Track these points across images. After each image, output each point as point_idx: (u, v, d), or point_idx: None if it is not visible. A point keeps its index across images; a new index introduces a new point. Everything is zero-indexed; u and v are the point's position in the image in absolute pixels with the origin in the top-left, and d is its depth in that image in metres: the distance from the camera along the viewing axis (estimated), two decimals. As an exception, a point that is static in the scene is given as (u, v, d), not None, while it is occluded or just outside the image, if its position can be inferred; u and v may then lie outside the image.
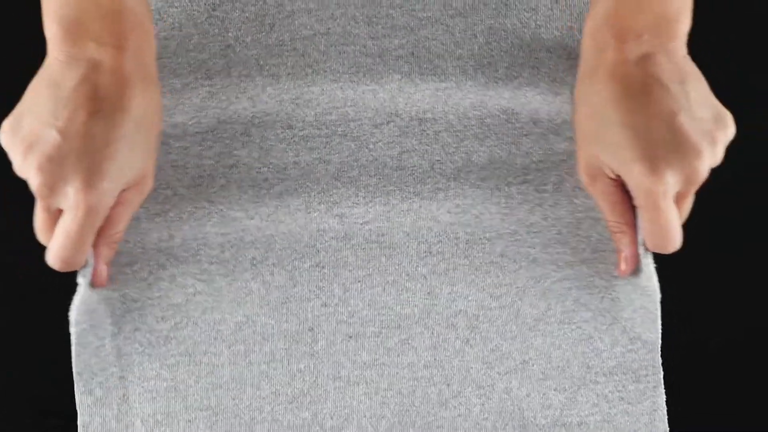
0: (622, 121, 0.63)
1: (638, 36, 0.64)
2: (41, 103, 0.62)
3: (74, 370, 0.71)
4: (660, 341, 0.71)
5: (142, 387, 0.72)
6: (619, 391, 0.72)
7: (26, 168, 0.62)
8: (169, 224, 0.71)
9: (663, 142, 0.63)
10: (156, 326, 0.71)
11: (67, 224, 0.63)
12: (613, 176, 0.66)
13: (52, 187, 0.62)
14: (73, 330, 0.70)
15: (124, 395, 0.72)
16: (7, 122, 0.63)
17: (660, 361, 0.71)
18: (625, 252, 0.69)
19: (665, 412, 0.72)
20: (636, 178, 0.64)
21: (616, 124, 0.64)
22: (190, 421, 0.72)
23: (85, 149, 0.61)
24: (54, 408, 0.76)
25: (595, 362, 0.72)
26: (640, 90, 0.64)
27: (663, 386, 0.71)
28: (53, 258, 0.64)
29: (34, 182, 0.62)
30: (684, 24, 0.65)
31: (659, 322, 0.71)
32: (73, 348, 0.71)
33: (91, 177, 0.61)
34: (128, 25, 0.64)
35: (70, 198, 0.62)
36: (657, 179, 0.63)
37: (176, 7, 0.72)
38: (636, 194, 0.65)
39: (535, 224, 0.72)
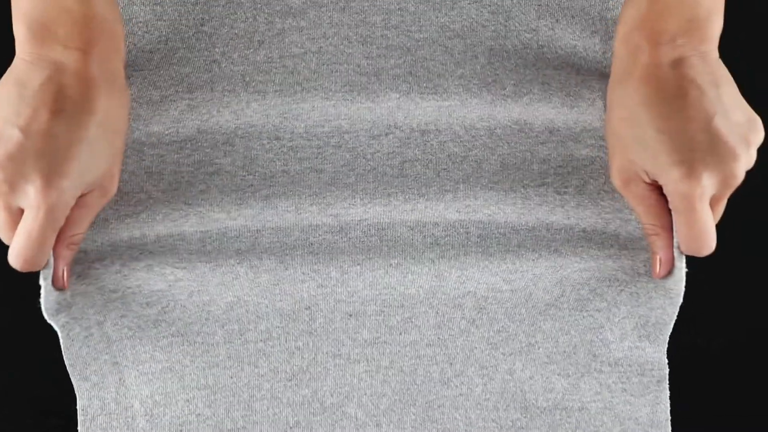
0: (659, 125, 0.63)
1: (672, 39, 0.64)
2: (6, 102, 0.63)
3: (66, 362, 0.71)
4: (667, 343, 0.71)
5: (137, 370, 0.71)
6: (622, 383, 0.71)
7: None
8: (141, 225, 0.71)
9: (700, 146, 0.63)
10: (142, 312, 0.71)
11: (28, 224, 0.63)
12: (648, 180, 0.66)
13: (13, 185, 0.62)
14: (54, 326, 0.70)
15: (120, 379, 0.71)
16: None
17: (666, 360, 0.71)
18: (661, 254, 0.69)
19: (668, 405, 0.71)
20: (673, 182, 0.64)
21: (652, 129, 0.64)
22: (188, 400, 0.71)
23: (46, 149, 0.61)
24: (55, 408, 0.75)
25: (602, 351, 0.71)
26: (675, 93, 0.64)
27: (667, 381, 0.71)
28: (15, 258, 0.64)
29: None
30: (716, 26, 0.65)
31: (671, 325, 0.70)
32: (61, 342, 0.70)
33: (51, 176, 0.61)
34: (97, 31, 0.64)
35: (31, 197, 0.62)
36: (694, 183, 0.63)
37: (164, 21, 0.72)
38: (672, 198, 0.65)
39: (556, 222, 0.71)
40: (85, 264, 0.70)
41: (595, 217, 0.71)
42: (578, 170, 0.72)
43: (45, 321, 0.75)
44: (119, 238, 0.71)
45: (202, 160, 0.71)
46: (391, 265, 0.71)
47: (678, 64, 0.64)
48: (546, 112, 0.72)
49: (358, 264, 0.71)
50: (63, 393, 0.74)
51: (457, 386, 0.71)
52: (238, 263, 0.70)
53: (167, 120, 0.71)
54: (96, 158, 0.64)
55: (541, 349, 0.71)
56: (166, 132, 0.71)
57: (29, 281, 0.76)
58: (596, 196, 0.72)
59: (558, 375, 0.71)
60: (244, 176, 0.71)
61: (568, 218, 0.71)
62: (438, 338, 0.71)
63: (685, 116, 0.63)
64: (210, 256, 0.70)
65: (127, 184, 0.71)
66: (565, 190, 0.71)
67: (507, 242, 0.71)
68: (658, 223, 0.68)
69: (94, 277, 0.71)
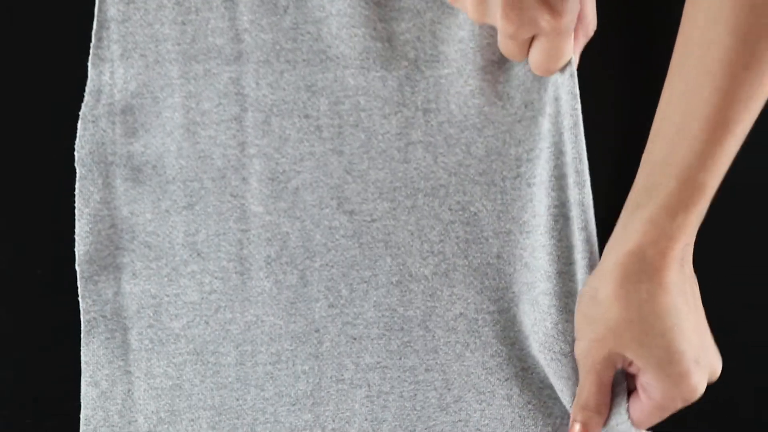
0: (678, 336, 0.64)
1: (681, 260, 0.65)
2: None
3: (82, 359, 0.72)
4: None
5: (148, 384, 0.72)
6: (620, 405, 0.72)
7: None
8: (196, 217, 0.72)
9: (707, 353, 0.66)
10: (169, 324, 0.72)
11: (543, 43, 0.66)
12: (624, 365, 0.67)
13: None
14: (83, 318, 0.72)
15: (128, 390, 0.72)
16: None
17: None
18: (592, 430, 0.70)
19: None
20: (677, 390, 0.65)
21: (670, 339, 0.64)
22: (193, 420, 0.72)
23: None
24: (55, 408, 0.75)
25: None
26: (695, 304, 0.66)
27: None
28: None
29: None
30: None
31: None
32: (82, 337, 0.72)
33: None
34: None
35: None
36: (697, 393, 0.66)
37: None
38: (664, 396, 0.66)
39: (526, 223, 0.72)
40: (144, 261, 0.72)
41: (546, 213, 0.70)
42: (542, 152, 0.71)
43: (45, 321, 0.75)
44: (176, 233, 0.72)
45: (245, 142, 0.72)
46: (392, 282, 0.72)
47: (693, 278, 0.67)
48: (525, 79, 0.71)
49: (365, 281, 0.72)
50: (63, 393, 0.75)
51: (455, 412, 0.73)
52: (266, 277, 0.72)
53: (214, 96, 0.72)
54: None
55: (534, 374, 0.73)
56: (215, 109, 0.72)
57: (29, 281, 0.75)
58: (548, 185, 0.70)
59: (554, 399, 0.72)
60: (279, 159, 0.72)
61: (534, 217, 0.71)
62: (435, 363, 0.73)
63: (701, 325, 0.67)
64: (244, 264, 0.72)
65: (184, 170, 0.72)
66: (533, 180, 0.71)
67: (488, 251, 0.72)
68: (604, 402, 0.69)
69: (144, 277, 0.72)
